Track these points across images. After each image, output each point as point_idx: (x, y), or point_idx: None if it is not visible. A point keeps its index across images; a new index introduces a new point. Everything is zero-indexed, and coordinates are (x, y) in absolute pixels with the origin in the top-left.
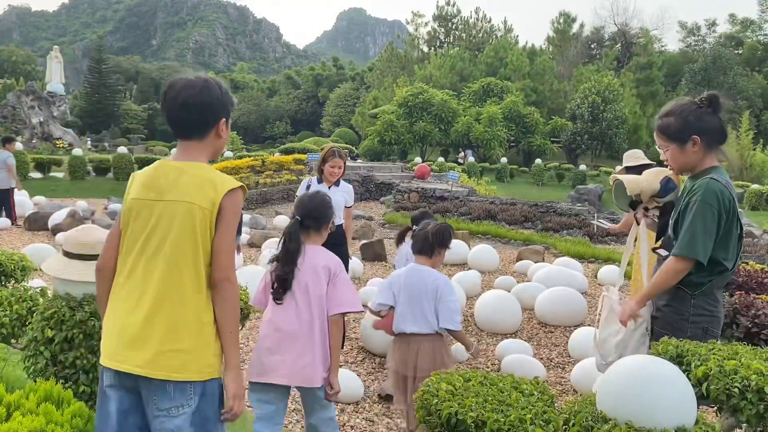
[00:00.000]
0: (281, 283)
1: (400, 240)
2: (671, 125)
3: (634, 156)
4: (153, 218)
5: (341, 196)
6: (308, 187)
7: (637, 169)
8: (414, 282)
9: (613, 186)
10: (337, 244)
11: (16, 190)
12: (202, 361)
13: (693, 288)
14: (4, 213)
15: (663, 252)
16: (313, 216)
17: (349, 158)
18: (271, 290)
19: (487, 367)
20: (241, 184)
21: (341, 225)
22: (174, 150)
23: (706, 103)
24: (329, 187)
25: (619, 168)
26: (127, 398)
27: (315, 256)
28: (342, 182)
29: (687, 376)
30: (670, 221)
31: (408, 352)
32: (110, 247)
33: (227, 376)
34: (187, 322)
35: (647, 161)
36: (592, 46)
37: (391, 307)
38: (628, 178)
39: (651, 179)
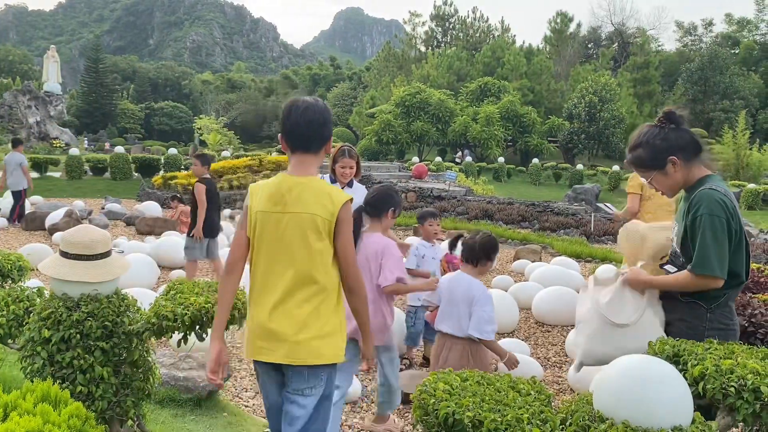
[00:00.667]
0: None
1: (452, 247)
2: (643, 156)
3: None
4: (281, 227)
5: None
6: None
7: None
8: (455, 287)
9: (622, 233)
10: None
11: (28, 190)
12: (329, 349)
13: (709, 301)
14: (18, 211)
15: (671, 268)
16: (371, 204)
17: None
18: None
19: None
20: (350, 197)
21: None
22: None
23: (666, 122)
24: (342, 189)
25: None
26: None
27: (368, 244)
28: (356, 184)
29: (683, 376)
30: (674, 236)
31: (442, 348)
32: (240, 252)
33: (365, 343)
34: (315, 316)
35: None
36: (589, 45)
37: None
38: (632, 236)
39: (657, 240)
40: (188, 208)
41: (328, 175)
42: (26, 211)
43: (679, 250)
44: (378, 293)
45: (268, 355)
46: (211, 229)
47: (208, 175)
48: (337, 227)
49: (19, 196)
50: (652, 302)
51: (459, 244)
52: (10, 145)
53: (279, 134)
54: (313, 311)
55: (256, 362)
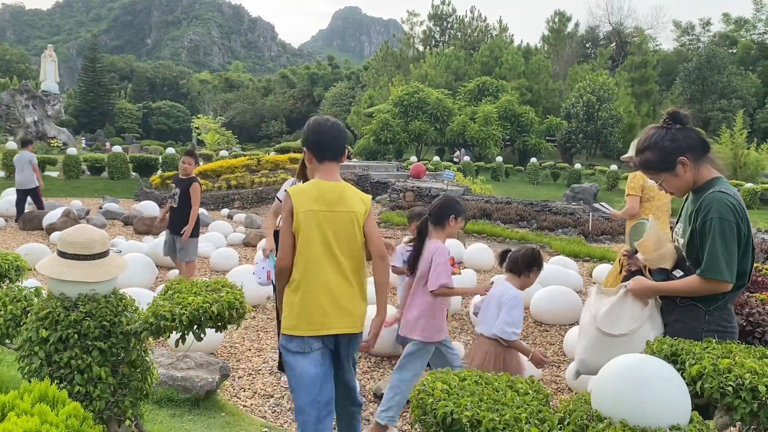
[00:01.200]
0: (411, 266)
1: (501, 261)
2: (651, 159)
3: None
4: (328, 224)
5: None
6: (286, 191)
7: None
8: (493, 292)
9: (634, 228)
10: None
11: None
12: (364, 318)
13: (708, 303)
14: (34, 206)
15: (678, 273)
16: (434, 214)
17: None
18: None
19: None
20: (370, 196)
21: None
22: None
23: (671, 122)
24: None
25: (627, 155)
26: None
27: (427, 250)
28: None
29: (681, 375)
30: (681, 239)
31: (474, 348)
32: (289, 250)
33: (376, 319)
34: (360, 294)
35: None
36: (587, 45)
37: None
38: (652, 239)
39: (669, 247)
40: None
41: (293, 179)
42: (25, 211)
43: (684, 253)
44: (432, 296)
45: (334, 327)
46: (198, 230)
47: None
48: (366, 218)
49: (25, 195)
50: (653, 316)
51: (507, 257)
52: (19, 144)
53: (304, 147)
54: (360, 290)
55: (310, 337)
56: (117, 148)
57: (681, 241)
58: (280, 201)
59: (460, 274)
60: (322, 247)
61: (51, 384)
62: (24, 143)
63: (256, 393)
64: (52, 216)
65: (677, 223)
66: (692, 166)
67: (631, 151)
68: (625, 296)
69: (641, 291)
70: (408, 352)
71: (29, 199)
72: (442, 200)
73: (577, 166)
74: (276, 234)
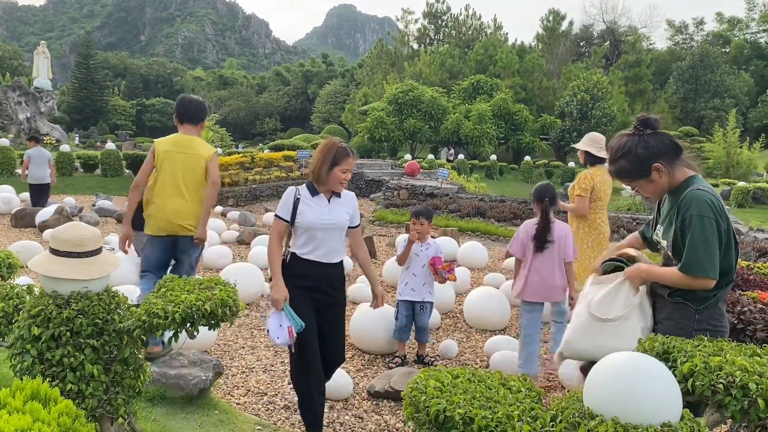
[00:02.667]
0: (540, 242)
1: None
2: (626, 167)
3: (598, 144)
4: (179, 160)
5: (344, 212)
6: (297, 199)
7: (597, 159)
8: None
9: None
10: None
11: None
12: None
13: (697, 302)
14: (27, 202)
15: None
16: (552, 198)
17: None
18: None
19: (476, 364)
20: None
21: (340, 264)
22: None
23: (642, 128)
24: (328, 200)
25: (579, 147)
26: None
27: (559, 229)
28: (344, 192)
29: (673, 373)
30: (663, 241)
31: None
32: (146, 174)
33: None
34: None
35: (605, 156)
36: (581, 43)
37: None
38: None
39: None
40: None
41: (302, 187)
42: (16, 208)
43: (670, 253)
44: (561, 265)
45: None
46: None
47: None
48: (210, 159)
49: (39, 189)
50: (643, 304)
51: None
52: (29, 140)
53: (174, 115)
54: (196, 204)
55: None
56: (110, 145)
57: (663, 243)
58: (282, 219)
59: (455, 280)
60: (170, 176)
61: (43, 382)
62: (37, 139)
63: (249, 391)
64: (44, 213)
65: (656, 225)
66: (667, 170)
67: (582, 144)
68: (621, 284)
69: (636, 273)
70: (561, 311)
71: (25, 196)
72: (540, 185)
73: (571, 164)
74: (285, 263)
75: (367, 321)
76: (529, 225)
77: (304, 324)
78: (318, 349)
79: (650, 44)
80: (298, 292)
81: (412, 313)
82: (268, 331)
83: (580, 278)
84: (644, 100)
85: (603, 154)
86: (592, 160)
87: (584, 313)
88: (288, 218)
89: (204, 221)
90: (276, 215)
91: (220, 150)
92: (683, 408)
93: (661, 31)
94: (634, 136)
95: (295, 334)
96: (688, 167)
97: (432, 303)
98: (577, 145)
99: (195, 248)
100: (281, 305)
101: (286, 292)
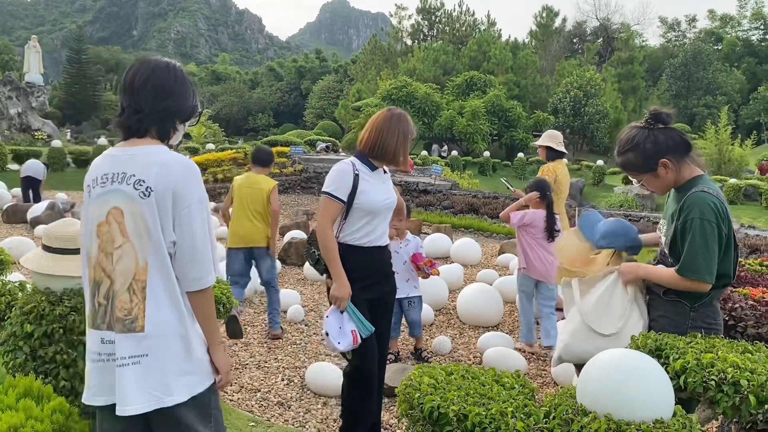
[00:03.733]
0: (550, 232)
1: None
2: (633, 161)
3: (557, 139)
4: (248, 195)
5: (393, 189)
6: (356, 175)
7: (557, 154)
8: None
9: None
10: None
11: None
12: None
13: (692, 300)
14: (18, 198)
15: (662, 268)
16: (549, 191)
17: (332, 151)
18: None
19: (469, 360)
20: None
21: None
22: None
23: (653, 122)
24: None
25: (540, 144)
26: None
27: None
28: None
29: (665, 369)
30: (664, 237)
31: None
32: (228, 203)
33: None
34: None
35: (564, 151)
36: (575, 40)
37: None
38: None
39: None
40: None
41: (355, 160)
42: (8, 204)
43: (667, 251)
44: None
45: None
46: None
47: None
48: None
49: (29, 183)
50: (639, 304)
51: None
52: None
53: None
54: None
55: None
56: (102, 141)
57: (664, 239)
58: (338, 200)
59: (438, 274)
60: (240, 204)
61: (36, 379)
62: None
63: (242, 387)
64: (36, 209)
65: (661, 220)
66: (674, 167)
67: (542, 140)
68: (613, 285)
69: (632, 273)
70: (552, 295)
71: (22, 193)
72: (544, 181)
73: (564, 160)
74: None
75: None
76: (538, 217)
77: (373, 328)
78: (377, 360)
79: (643, 41)
80: (352, 289)
81: (401, 310)
82: (326, 334)
83: None
84: (637, 97)
85: (562, 148)
86: (552, 155)
87: (579, 317)
88: (345, 198)
89: (273, 240)
90: (330, 194)
91: (212, 146)
92: (675, 404)
93: (653, 28)
94: (644, 130)
95: (359, 340)
96: (697, 165)
97: (420, 297)
98: (538, 142)
99: (266, 256)
100: (345, 305)
101: (350, 290)
